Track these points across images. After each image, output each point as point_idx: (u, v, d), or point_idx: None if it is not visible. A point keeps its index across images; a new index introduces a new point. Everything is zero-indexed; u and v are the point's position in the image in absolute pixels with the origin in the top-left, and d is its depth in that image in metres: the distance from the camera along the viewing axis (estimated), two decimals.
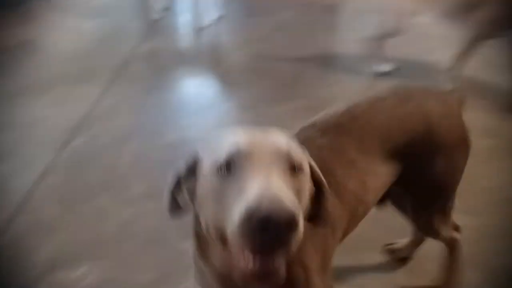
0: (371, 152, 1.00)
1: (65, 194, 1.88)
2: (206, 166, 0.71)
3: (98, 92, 2.59)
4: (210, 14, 3.58)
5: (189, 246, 0.93)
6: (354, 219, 1.02)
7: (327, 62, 2.93)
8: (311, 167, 0.77)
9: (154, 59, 3.05)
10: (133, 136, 2.24)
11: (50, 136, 2.22)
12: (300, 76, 2.77)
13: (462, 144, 1.10)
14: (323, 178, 0.79)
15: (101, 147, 2.17)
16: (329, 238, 0.92)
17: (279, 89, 2.65)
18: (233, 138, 0.70)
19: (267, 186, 0.61)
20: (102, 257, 1.59)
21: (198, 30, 3.44)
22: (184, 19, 3.79)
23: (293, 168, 0.68)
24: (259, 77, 2.76)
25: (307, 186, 0.73)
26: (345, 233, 1.02)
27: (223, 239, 0.66)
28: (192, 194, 0.75)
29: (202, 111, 2.46)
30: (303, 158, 0.73)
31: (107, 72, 2.80)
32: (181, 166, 0.78)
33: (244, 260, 0.63)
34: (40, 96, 2.55)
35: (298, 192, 0.68)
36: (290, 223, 0.58)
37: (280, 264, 0.63)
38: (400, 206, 1.22)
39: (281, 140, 0.71)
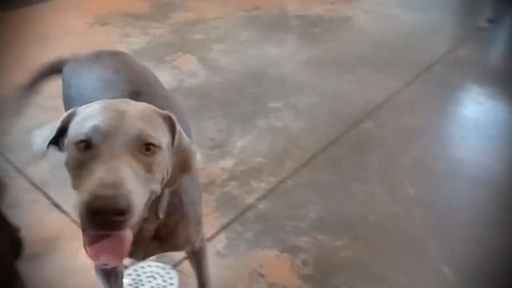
0: None
1: (343, 167, 2.03)
2: (70, 137, 0.78)
3: (397, 84, 2.63)
4: None
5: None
6: None
7: None
8: (179, 134, 0.85)
9: (462, 68, 2.89)
10: (419, 138, 2.23)
11: (343, 110, 2.40)
12: None
13: None
14: (188, 145, 0.87)
15: (386, 137, 2.23)
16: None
17: None
18: (94, 117, 0.76)
19: (107, 174, 0.68)
20: (360, 238, 1.68)
21: None
22: (506, 36, 3.44)
23: (146, 147, 0.75)
24: None
25: (166, 158, 0.80)
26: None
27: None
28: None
29: (496, 137, 2.24)
30: (160, 135, 0.79)
31: (411, 68, 2.81)
32: (53, 127, 0.83)
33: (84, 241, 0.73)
34: (345, 71, 2.76)
35: (149, 168, 0.75)
36: (121, 211, 0.66)
37: (118, 248, 0.72)
38: None
39: (136, 121, 0.76)
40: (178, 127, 0.86)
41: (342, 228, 1.72)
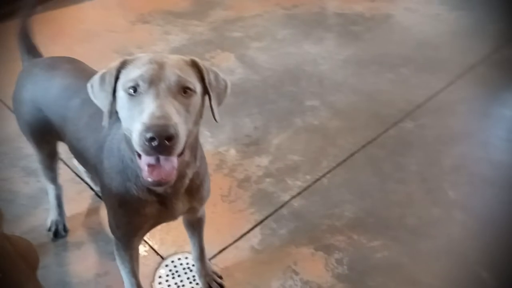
0: None
1: (381, 167, 2.00)
2: (119, 88, 0.92)
3: (439, 85, 2.57)
4: None
5: None
6: None
7: None
8: (207, 70, 1.00)
9: (507, 68, 2.77)
10: (461, 140, 2.17)
11: (382, 110, 2.36)
12: None
13: None
14: (213, 85, 1.00)
15: (426, 138, 2.18)
16: None
17: None
18: (139, 68, 0.89)
19: (156, 108, 0.82)
20: (397, 240, 1.65)
21: None
22: None
23: (184, 91, 0.89)
24: None
25: (198, 102, 0.95)
26: None
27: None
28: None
29: None
30: (194, 82, 0.93)
31: (454, 68, 2.73)
32: (109, 92, 0.95)
33: (143, 168, 0.87)
34: (385, 70, 2.71)
35: (187, 108, 0.89)
36: (170, 137, 0.81)
37: (170, 169, 0.87)
38: None
39: (174, 70, 0.90)
40: (203, 65, 1.00)
41: (379, 229, 1.70)
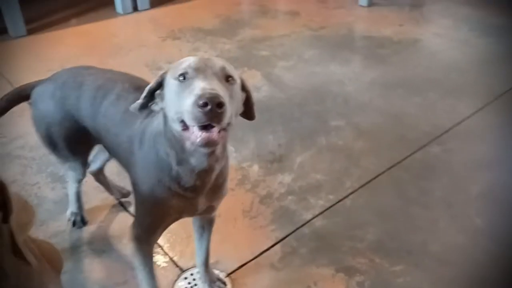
0: None
1: (405, 191, 1.97)
2: (170, 78, 1.01)
3: (467, 110, 2.53)
4: None
5: None
6: None
7: None
8: (242, 82, 1.07)
9: None
10: (488, 167, 2.12)
11: (408, 134, 2.34)
12: None
13: None
14: (249, 89, 1.11)
15: (453, 163, 2.14)
16: None
17: None
18: (188, 60, 0.99)
19: (207, 85, 0.92)
20: (420, 266, 1.61)
21: None
22: None
23: (227, 79, 0.98)
24: None
25: (239, 93, 1.04)
26: None
27: (181, 121, 0.96)
28: (162, 98, 1.04)
29: None
30: (235, 74, 1.02)
31: (482, 94, 2.69)
32: (155, 81, 1.06)
33: (194, 134, 0.94)
34: (412, 94, 2.69)
35: (231, 96, 0.97)
36: (220, 104, 0.88)
37: (217, 136, 0.93)
38: None
39: (219, 61, 1.00)
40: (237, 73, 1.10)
41: (402, 254, 1.66)
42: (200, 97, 0.88)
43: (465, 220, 1.83)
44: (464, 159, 2.17)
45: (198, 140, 0.93)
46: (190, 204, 1.15)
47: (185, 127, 0.96)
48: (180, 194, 1.12)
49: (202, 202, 1.17)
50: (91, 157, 1.61)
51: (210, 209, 1.25)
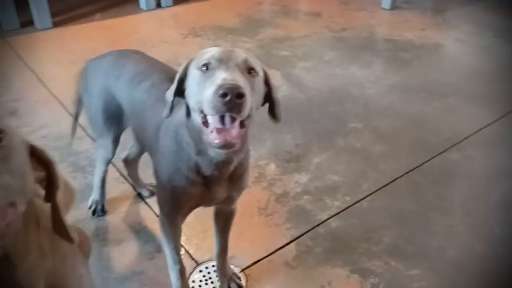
0: None
1: (423, 196, 1.95)
2: (193, 68, 1.02)
3: (488, 118, 2.50)
4: None
5: None
6: None
7: None
8: (266, 76, 1.08)
9: None
10: (509, 175, 2.09)
11: (428, 139, 2.32)
12: None
13: None
14: (273, 83, 1.11)
15: (472, 170, 2.12)
16: None
17: None
18: (211, 51, 1.01)
19: (228, 76, 0.93)
20: (436, 271, 1.60)
21: None
22: None
23: (249, 71, 0.99)
24: None
25: (261, 85, 1.05)
26: None
27: (201, 111, 0.97)
28: (185, 88, 1.06)
29: None
30: (258, 67, 1.03)
31: (504, 101, 2.65)
32: (181, 70, 1.08)
33: (212, 134, 0.95)
34: (433, 99, 2.67)
35: (252, 88, 0.98)
36: (240, 94, 0.89)
37: (235, 137, 0.94)
38: None
39: (242, 53, 1.01)
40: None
41: (418, 258, 1.65)
42: (220, 87, 0.90)
43: (483, 227, 1.81)
44: (483, 167, 2.15)
45: (216, 141, 0.94)
46: (207, 193, 1.18)
47: (205, 120, 0.98)
48: (198, 183, 1.15)
49: (219, 192, 1.20)
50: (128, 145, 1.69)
51: (229, 200, 1.27)
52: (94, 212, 1.79)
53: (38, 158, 0.78)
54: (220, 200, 1.24)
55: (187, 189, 1.17)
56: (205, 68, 0.98)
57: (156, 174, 1.27)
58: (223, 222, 1.44)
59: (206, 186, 1.16)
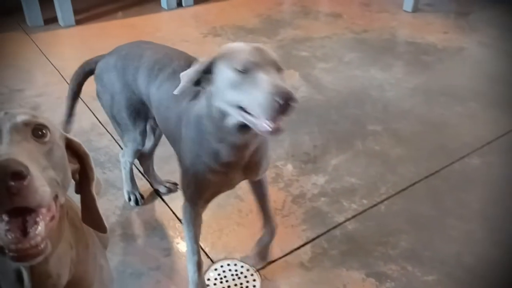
0: None
1: (442, 201, 1.92)
2: (225, 68, 1.05)
3: (510, 123, 2.44)
4: None
5: None
6: None
7: None
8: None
9: None
10: None
11: (448, 143, 2.29)
12: None
13: None
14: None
15: (493, 176, 2.08)
16: None
17: None
18: (244, 52, 1.03)
19: (274, 80, 0.99)
20: (453, 277, 1.58)
21: None
22: None
23: (278, 70, 1.04)
24: None
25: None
26: None
27: (239, 107, 1.03)
28: (210, 83, 1.09)
29: None
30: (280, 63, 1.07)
31: None
32: (204, 64, 1.09)
33: (264, 123, 1.00)
34: (454, 103, 2.63)
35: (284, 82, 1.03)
36: (295, 100, 0.96)
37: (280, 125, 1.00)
38: None
39: (271, 53, 1.06)
40: None
41: (435, 263, 1.63)
42: (277, 94, 0.96)
43: (502, 234, 1.77)
44: (504, 173, 2.11)
45: (268, 129, 1.01)
46: (226, 179, 1.25)
47: (246, 113, 1.03)
48: (216, 170, 1.21)
49: (237, 177, 1.27)
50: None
51: (250, 178, 1.36)
52: (136, 202, 1.83)
53: (74, 150, 0.80)
54: (238, 183, 1.32)
55: (207, 176, 1.23)
56: (243, 70, 1.02)
57: (180, 161, 1.32)
58: (256, 187, 1.48)
59: (224, 174, 1.23)
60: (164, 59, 1.42)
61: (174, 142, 1.36)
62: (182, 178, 1.32)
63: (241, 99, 1.02)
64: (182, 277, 1.53)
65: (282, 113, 0.97)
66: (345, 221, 1.81)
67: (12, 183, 0.57)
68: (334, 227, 1.78)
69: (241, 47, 1.07)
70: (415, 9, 3.92)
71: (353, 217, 1.83)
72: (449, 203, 1.92)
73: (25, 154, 0.64)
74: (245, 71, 1.02)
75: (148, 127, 1.65)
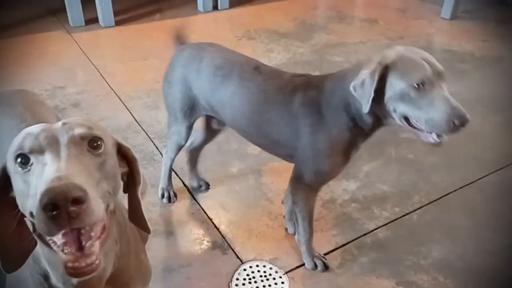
0: None
1: (477, 212, 1.88)
2: (400, 81, 1.15)
3: None
4: None
5: None
6: None
7: None
8: None
9: None
10: None
11: (484, 154, 2.23)
12: None
13: None
14: None
15: None
16: None
17: None
18: (420, 64, 1.13)
19: (451, 101, 1.11)
20: None
21: None
22: None
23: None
24: None
25: None
26: None
27: (403, 119, 1.22)
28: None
29: None
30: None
31: None
32: (374, 73, 1.17)
33: (431, 137, 1.12)
34: (491, 112, 2.56)
35: None
36: (467, 120, 1.09)
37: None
38: None
39: (439, 64, 1.13)
40: None
41: (468, 276, 1.60)
42: (454, 116, 1.10)
43: None
44: None
45: (434, 142, 1.16)
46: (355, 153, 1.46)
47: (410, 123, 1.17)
48: (359, 134, 1.39)
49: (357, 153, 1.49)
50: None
51: None
52: (169, 199, 1.88)
53: (123, 155, 0.82)
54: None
55: (348, 154, 1.41)
56: (418, 86, 1.09)
57: (313, 152, 1.39)
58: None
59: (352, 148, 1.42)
60: (225, 65, 1.48)
61: (284, 140, 1.42)
62: (313, 168, 1.41)
63: (413, 114, 1.10)
64: (211, 274, 1.55)
65: (454, 132, 1.04)
66: (376, 229, 1.79)
67: (72, 209, 0.59)
68: (365, 234, 1.77)
69: (414, 59, 1.13)
70: (454, 16, 3.84)
71: (385, 225, 1.81)
72: (484, 215, 1.87)
73: (83, 172, 0.65)
74: (421, 87, 1.08)
75: (202, 124, 1.74)
